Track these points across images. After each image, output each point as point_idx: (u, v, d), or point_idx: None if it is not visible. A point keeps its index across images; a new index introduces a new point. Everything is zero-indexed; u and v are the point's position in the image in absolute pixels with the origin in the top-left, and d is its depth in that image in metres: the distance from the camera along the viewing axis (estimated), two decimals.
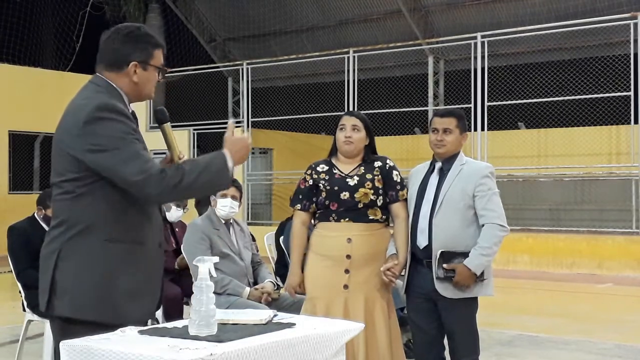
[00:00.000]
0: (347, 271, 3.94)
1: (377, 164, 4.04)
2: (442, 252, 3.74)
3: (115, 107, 2.63)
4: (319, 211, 4.04)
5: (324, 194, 3.98)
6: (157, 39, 2.82)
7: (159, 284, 2.84)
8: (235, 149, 2.76)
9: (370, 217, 3.96)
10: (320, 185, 4.00)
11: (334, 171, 4.03)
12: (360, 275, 3.95)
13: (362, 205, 3.94)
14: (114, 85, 2.74)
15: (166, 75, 2.90)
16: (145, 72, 2.76)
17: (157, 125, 2.93)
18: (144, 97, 2.84)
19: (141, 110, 15.51)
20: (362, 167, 4.03)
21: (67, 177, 2.64)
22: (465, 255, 3.74)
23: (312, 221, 4.12)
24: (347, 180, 3.98)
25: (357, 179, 3.97)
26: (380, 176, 4.00)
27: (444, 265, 3.72)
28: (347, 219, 3.95)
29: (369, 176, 3.98)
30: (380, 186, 3.98)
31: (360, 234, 3.94)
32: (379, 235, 4.00)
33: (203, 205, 5.73)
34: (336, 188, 3.96)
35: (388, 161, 4.08)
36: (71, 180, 2.63)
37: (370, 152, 4.10)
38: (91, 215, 2.62)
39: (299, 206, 4.07)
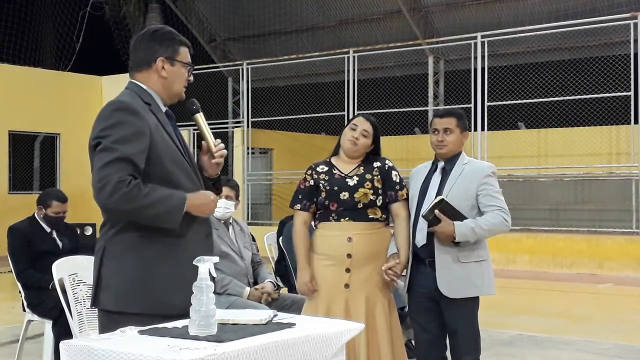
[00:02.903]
0: (348, 270, 3.94)
1: (377, 164, 4.05)
2: (443, 199, 3.73)
3: (129, 107, 2.73)
4: (318, 211, 4.04)
5: (323, 194, 3.99)
6: (182, 37, 2.91)
7: None
8: (197, 201, 2.76)
9: (371, 216, 3.97)
10: (321, 185, 4.01)
11: (334, 171, 4.04)
12: (361, 274, 3.95)
13: (361, 206, 3.94)
14: (144, 87, 2.84)
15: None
16: (172, 68, 2.85)
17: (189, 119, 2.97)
18: (174, 95, 2.90)
19: None
20: (362, 167, 4.03)
21: (94, 170, 2.72)
22: (461, 217, 3.73)
23: (313, 222, 4.12)
24: (347, 180, 3.98)
25: (357, 179, 3.98)
26: (379, 176, 4.01)
27: (435, 211, 3.70)
28: (347, 218, 3.95)
29: (368, 176, 3.99)
30: (379, 186, 3.99)
31: (361, 232, 3.94)
32: (380, 234, 4.00)
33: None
34: (336, 188, 3.96)
35: (387, 161, 4.09)
36: None
37: (371, 154, 4.10)
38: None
39: (298, 206, 4.07)
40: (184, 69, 2.88)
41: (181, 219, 2.70)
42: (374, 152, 4.10)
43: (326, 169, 4.06)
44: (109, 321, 2.74)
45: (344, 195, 3.94)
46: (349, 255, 3.93)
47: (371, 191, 3.96)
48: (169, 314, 2.67)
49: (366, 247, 3.95)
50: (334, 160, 4.11)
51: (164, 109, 2.89)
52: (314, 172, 4.07)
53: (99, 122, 2.72)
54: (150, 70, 2.84)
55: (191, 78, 2.93)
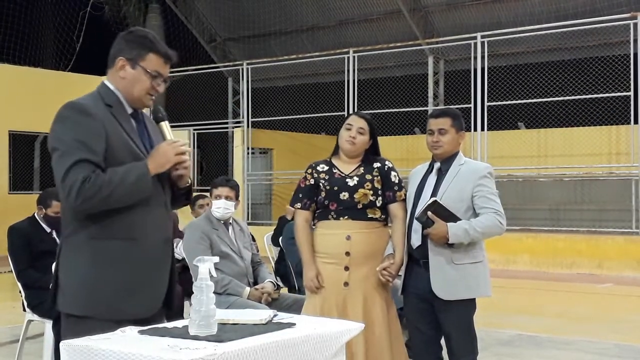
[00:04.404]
0: (346, 268, 3.95)
1: (376, 164, 4.05)
2: (436, 200, 3.72)
3: (82, 109, 2.68)
4: (318, 210, 4.04)
5: (323, 194, 3.99)
6: (155, 44, 2.80)
7: (162, 281, 2.84)
8: (157, 159, 2.71)
9: (370, 216, 3.97)
10: (321, 185, 4.01)
11: (334, 171, 4.04)
12: (360, 273, 3.95)
13: (361, 206, 3.95)
14: (111, 88, 2.79)
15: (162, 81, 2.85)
16: (133, 71, 2.77)
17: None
18: (135, 100, 2.81)
19: None
20: (362, 168, 4.03)
21: (57, 177, 2.69)
22: (455, 218, 3.72)
23: (312, 221, 4.12)
24: (347, 180, 3.98)
25: (357, 179, 3.98)
26: (379, 177, 4.01)
27: (428, 213, 3.69)
28: (346, 217, 3.95)
29: (368, 177, 3.99)
30: (379, 187, 3.99)
31: (360, 231, 3.94)
32: (378, 234, 4.00)
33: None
34: (336, 188, 3.97)
35: (387, 162, 4.09)
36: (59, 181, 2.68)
37: (371, 154, 4.10)
38: (79, 215, 2.68)
39: (299, 205, 4.07)
40: (146, 76, 2.76)
41: (151, 183, 2.68)
42: (373, 149, 4.10)
43: (326, 168, 4.07)
44: (66, 322, 2.73)
45: (344, 195, 3.95)
46: (347, 253, 3.93)
47: (371, 192, 3.96)
48: (118, 319, 2.60)
49: (365, 246, 3.95)
50: (334, 160, 4.11)
51: (130, 110, 2.81)
52: (314, 171, 4.07)
53: (54, 124, 2.70)
54: (113, 69, 2.79)
55: (160, 89, 2.81)
